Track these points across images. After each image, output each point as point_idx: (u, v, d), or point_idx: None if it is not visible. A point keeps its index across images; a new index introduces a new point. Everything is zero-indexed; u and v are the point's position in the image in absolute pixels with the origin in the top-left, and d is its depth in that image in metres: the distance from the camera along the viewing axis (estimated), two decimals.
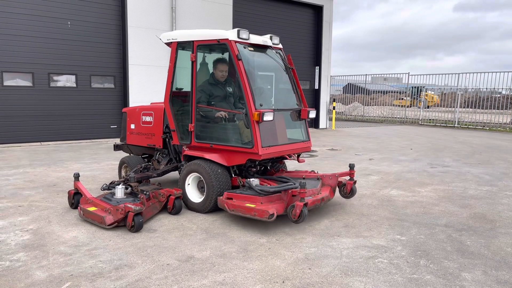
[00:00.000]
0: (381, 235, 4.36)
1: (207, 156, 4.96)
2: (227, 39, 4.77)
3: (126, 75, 12.37)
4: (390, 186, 6.67)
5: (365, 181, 6.97)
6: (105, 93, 12.39)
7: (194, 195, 5.10)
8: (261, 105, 4.69)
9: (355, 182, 5.28)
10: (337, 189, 5.36)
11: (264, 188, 4.54)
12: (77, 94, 11.96)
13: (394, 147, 11.66)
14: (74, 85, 11.92)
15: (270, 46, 5.29)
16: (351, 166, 5.27)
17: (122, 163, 6.16)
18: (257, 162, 4.95)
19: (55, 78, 11.62)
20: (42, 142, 11.44)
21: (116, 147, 6.34)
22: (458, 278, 3.38)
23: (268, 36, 5.31)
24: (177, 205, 4.90)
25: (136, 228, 4.30)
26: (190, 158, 5.31)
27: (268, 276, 3.37)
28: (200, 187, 5.09)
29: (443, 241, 4.21)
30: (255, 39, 5.08)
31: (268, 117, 4.59)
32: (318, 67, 17.74)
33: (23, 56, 11.01)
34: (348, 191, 5.25)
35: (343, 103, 29.32)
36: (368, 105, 26.98)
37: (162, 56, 12.47)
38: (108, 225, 4.32)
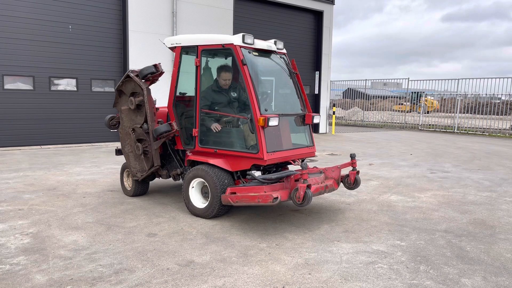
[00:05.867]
0: (381, 241, 4.37)
1: (212, 161, 4.94)
2: (232, 44, 4.76)
3: None
4: (390, 192, 6.68)
5: (365, 186, 6.97)
6: (106, 97, 12.41)
7: (197, 200, 5.08)
8: (266, 110, 4.68)
9: (358, 172, 5.23)
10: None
11: (266, 177, 4.54)
12: (78, 97, 11.99)
13: (394, 152, 11.68)
14: (75, 88, 11.95)
15: (275, 51, 5.29)
16: (352, 156, 5.19)
17: (124, 168, 6.16)
18: (261, 168, 4.94)
19: (55, 81, 11.65)
20: (42, 146, 11.45)
21: (118, 152, 6.34)
22: (458, 284, 3.38)
23: (272, 41, 5.31)
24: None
25: None
26: (193, 163, 5.32)
27: (268, 281, 3.37)
28: (204, 192, 5.08)
29: (443, 247, 4.22)
30: (260, 44, 5.07)
31: (273, 122, 4.58)
32: (318, 72, 17.79)
33: (24, 59, 11.05)
34: (352, 181, 5.20)
35: (343, 108, 29.38)
36: (367, 110, 27.04)
37: (163, 60, 12.51)
38: None
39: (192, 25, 13.48)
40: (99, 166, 8.59)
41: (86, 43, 11.92)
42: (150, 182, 6.28)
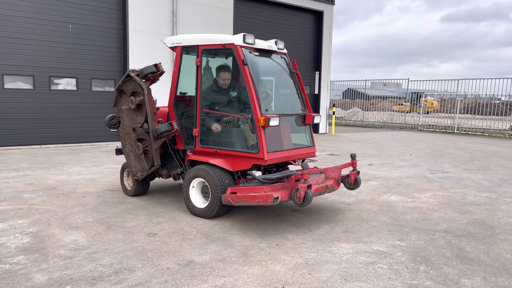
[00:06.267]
0: (381, 241, 4.37)
1: (212, 161, 4.93)
2: (233, 43, 4.75)
3: None
4: (389, 192, 6.68)
5: (365, 187, 6.98)
6: (106, 97, 12.41)
7: (198, 200, 5.07)
8: (266, 110, 4.67)
9: (358, 172, 5.21)
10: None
11: (267, 177, 4.53)
12: (78, 97, 11.99)
13: (393, 153, 11.68)
14: (75, 88, 11.95)
15: (275, 51, 5.29)
16: (353, 156, 5.17)
17: (124, 168, 6.13)
18: (262, 168, 4.93)
19: (55, 81, 11.65)
20: (42, 145, 11.45)
21: (118, 151, 6.33)
22: (457, 284, 3.39)
23: (273, 41, 5.30)
24: None
25: None
26: (193, 163, 5.31)
27: (268, 281, 3.37)
28: (204, 192, 5.07)
29: (443, 247, 4.22)
30: (261, 44, 5.06)
31: (274, 122, 4.57)
32: (318, 72, 17.79)
33: (24, 59, 11.05)
34: (352, 181, 5.18)
35: (342, 108, 29.39)
36: (367, 110, 27.04)
37: (163, 60, 12.50)
38: None
39: (192, 25, 13.48)
40: (99, 165, 8.59)
41: (86, 42, 11.92)
42: (150, 181, 6.28)
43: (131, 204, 5.61)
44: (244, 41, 4.80)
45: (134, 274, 3.45)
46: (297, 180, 4.47)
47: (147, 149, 5.55)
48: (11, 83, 10.98)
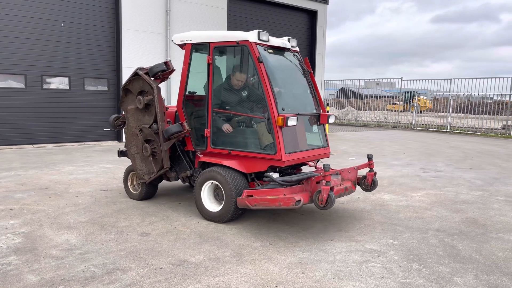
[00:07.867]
0: (374, 240, 4.38)
1: (226, 163, 4.73)
2: (247, 40, 4.56)
3: (120, 78, 12.32)
4: (383, 191, 6.70)
5: (358, 186, 6.98)
6: (98, 96, 12.33)
7: (210, 204, 4.89)
8: (283, 110, 4.52)
9: (375, 173, 5.07)
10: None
11: (286, 178, 4.38)
12: (70, 96, 11.90)
13: (387, 152, 11.73)
14: (67, 87, 11.86)
15: (289, 49, 5.15)
16: (369, 157, 5.03)
17: (129, 171, 5.88)
18: (277, 169, 4.77)
19: (48, 80, 11.55)
20: (34, 145, 11.35)
21: (121, 153, 6.05)
22: (450, 283, 3.41)
23: (286, 38, 5.16)
24: None
25: None
26: (203, 164, 5.15)
27: (261, 280, 3.37)
28: (216, 195, 4.91)
29: (435, 246, 4.24)
30: (274, 41, 4.93)
31: (292, 122, 4.41)
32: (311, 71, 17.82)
33: (16, 57, 10.94)
34: (369, 183, 5.05)
35: (336, 108, 29.45)
36: (361, 110, 27.13)
37: (158, 59, 12.46)
38: None
39: (186, 23, 13.43)
40: (91, 165, 8.53)
41: (79, 41, 11.83)
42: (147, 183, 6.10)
43: (124, 203, 5.58)
44: (258, 38, 4.64)
45: (127, 274, 3.43)
46: (317, 182, 4.33)
47: (155, 151, 5.35)
48: (2, 82, 10.88)
